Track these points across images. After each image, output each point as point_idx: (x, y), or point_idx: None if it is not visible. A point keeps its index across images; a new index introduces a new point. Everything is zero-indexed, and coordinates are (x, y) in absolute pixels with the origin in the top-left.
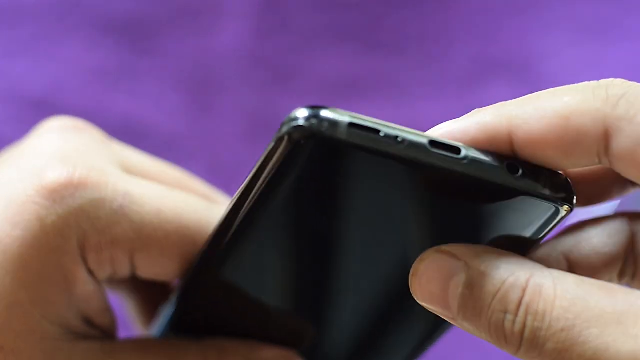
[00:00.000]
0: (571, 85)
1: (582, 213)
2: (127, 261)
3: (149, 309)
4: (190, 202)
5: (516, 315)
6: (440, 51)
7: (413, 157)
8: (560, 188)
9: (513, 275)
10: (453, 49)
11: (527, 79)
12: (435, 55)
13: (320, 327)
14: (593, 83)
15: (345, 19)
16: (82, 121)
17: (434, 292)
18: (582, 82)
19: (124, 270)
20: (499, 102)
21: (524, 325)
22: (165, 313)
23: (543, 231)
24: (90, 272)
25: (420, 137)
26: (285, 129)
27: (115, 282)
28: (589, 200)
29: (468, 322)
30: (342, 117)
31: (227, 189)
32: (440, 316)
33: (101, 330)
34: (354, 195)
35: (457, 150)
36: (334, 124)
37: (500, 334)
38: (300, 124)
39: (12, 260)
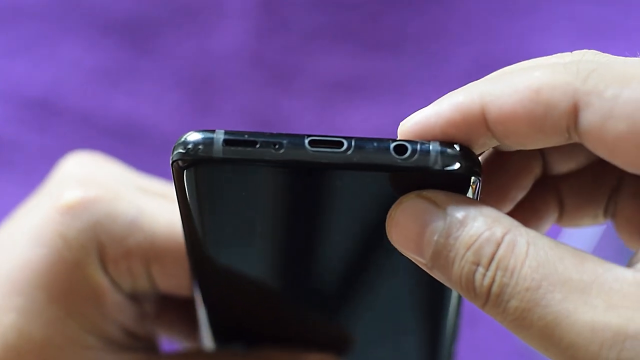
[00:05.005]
0: (544, 59)
1: (572, 234)
2: (144, 272)
3: (185, 325)
4: None
5: (487, 269)
6: (440, 51)
7: (294, 159)
8: (456, 159)
9: (490, 230)
10: (453, 49)
11: None
12: (435, 55)
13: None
14: (566, 56)
15: (345, 19)
16: (99, 153)
17: (409, 236)
18: None
19: (143, 282)
20: None
21: (493, 280)
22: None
23: None
24: (114, 283)
25: (299, 139)
26: (171, 156)
27: (145, 298)
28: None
29: (440, 270)
30: (219, 136)
31: None
32: (414, 262)
33: (146, 342)
34: (273, 204)
35: (339, 144)
36: (209, 144)
37: (470, 285)
38: (180, 150)
39: (42, 277)
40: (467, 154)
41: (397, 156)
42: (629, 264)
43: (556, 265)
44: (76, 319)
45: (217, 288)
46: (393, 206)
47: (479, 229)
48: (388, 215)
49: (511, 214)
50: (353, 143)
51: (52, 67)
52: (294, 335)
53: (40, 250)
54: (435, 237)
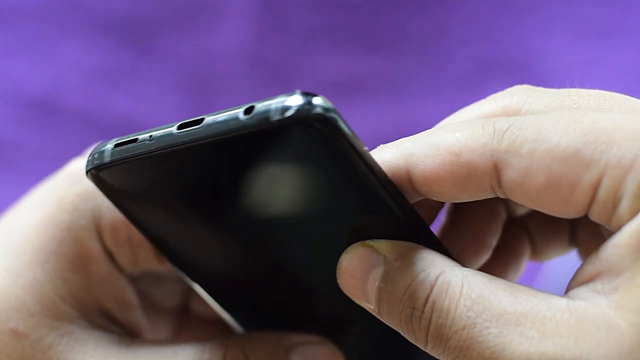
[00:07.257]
0: (466, 120)
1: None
2: (145, 242)
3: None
4: None
5: (422, 311)
6: (440, 51)
7: (166, 145)
8: (295, 105)
9: (424, 272)
10: (453, 49)
11: (527, 79)
12: (435, 55)
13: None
14: (498, 98)
15: (345, 19)
16: None
17: (356, 285)
18: (581, 81)
19: (145, 256)
20: None
21: (429, 322)
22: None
23: (333, 159)
24: (109, 254)
25: (170, 127)
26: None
27: (144, 283)
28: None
29: (385, 314)
30: (111, 142)
31: None
32: (366, 309)
33: (125, 330)
34: (180, 196)
35: (200, 121)
36: (101, 152)
37: (410, 328)
38: (85, 162)
39: (31, 240)
40: (310, 97)
41: (245, 115)
42: (565, 293)
43: (490, 300)
44: (54, 284)
45: (194, 267)
46: (341, 257)
47: (413, 272)
48: (337, 267)
49: (492, 260)
50: (211, 117)
51: (52, 67)
52: (290, 315)
53: (35, 216)
54: (377, 283)
